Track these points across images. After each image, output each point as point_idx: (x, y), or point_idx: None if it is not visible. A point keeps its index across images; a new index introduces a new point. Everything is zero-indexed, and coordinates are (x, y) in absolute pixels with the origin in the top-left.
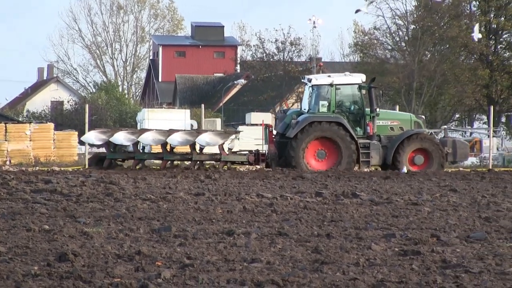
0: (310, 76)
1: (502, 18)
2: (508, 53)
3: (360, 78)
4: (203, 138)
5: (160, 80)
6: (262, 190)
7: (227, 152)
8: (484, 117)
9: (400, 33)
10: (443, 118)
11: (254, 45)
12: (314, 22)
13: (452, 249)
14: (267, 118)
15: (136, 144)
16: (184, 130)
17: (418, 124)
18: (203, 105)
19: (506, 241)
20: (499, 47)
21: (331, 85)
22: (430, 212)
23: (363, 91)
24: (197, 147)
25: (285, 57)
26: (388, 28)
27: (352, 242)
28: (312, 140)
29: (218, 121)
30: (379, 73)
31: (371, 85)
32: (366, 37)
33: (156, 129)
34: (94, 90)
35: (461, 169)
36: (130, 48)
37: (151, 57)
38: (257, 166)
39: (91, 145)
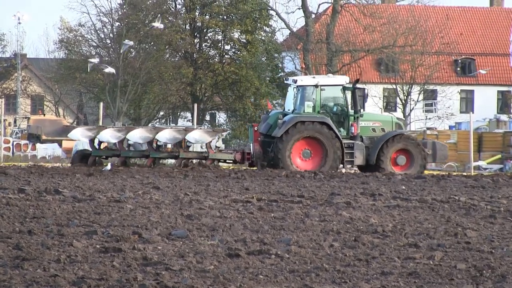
0: (295, 78)
1: (207, 16)
2: (212, 51)
3: (344, 79)
4: (192, 136)
5: None
6: None
7: (214, 150)
8: (189, 115)
9: (105, 30)
10: (148, 116)
11: None
12: (19, 18)
13: (153, 246)
14: None
15: (121, 141)
16: (172, 127)
17: (399, 125)
18: None
19: (207, 239)
20: (204, 45)
21: (316, 86)
22: (133, 209)
23: (347, 92)
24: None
25: None
26: (93, 25)
27: (54, 238)
28: (299, 139)
29: None
30: (84, 70)
31: (355, 86)
32: (72, 34)
33: (143, 127)
34: None
35: (164, 167)
36: None
37: None
38: (242, 165)
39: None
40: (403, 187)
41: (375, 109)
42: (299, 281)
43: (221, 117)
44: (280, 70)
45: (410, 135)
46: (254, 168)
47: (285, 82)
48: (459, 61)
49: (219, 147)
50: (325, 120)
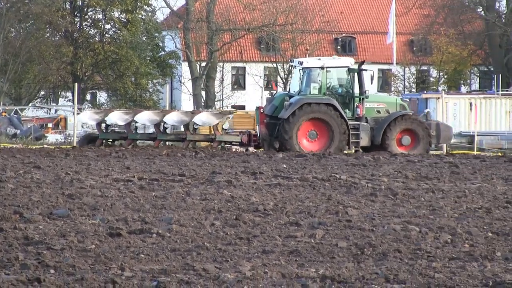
0: (301, 59)
1: None
2: (93, 31)
3: (349, 61)
4: (200, 118)
5: None
6: None
7: (221, 132)
8: (69, 94)
9: None
10: (29, 95)
11: None
12: None
13: (35, 226)
14: None
15: (129, 124)
16: (180, 110)
17: (403, 106)
18: None
19: (88, 218)
20: (84, 24)
21: (322, 68)
22: (14, 189)
23: (353, 74)
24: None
25: None
26: None
27: None
28: (305, 121)
29: None
30: None
31: (361, 67)
32: None
33: (151, 109)
34: None
35: (45, 146)
36: None
37: None
38: (249, 147)
39: None
40: (284, 166)
41: (256, 88)
42: (181, 260)
43: (102, 96)
44: (160, 50)
45: (414, 115)
46: (261, 149)
47: (290, 63)
48: (340, 39)
49: (226, 130)
50: (331, 102)
